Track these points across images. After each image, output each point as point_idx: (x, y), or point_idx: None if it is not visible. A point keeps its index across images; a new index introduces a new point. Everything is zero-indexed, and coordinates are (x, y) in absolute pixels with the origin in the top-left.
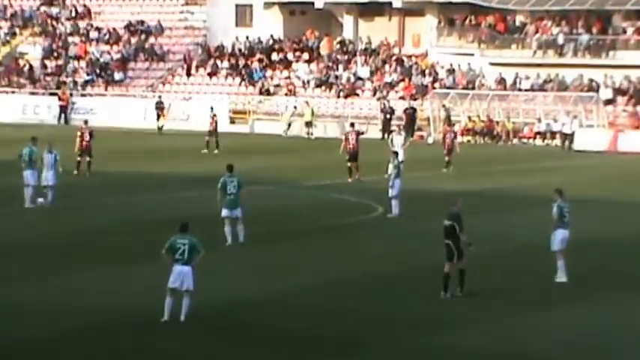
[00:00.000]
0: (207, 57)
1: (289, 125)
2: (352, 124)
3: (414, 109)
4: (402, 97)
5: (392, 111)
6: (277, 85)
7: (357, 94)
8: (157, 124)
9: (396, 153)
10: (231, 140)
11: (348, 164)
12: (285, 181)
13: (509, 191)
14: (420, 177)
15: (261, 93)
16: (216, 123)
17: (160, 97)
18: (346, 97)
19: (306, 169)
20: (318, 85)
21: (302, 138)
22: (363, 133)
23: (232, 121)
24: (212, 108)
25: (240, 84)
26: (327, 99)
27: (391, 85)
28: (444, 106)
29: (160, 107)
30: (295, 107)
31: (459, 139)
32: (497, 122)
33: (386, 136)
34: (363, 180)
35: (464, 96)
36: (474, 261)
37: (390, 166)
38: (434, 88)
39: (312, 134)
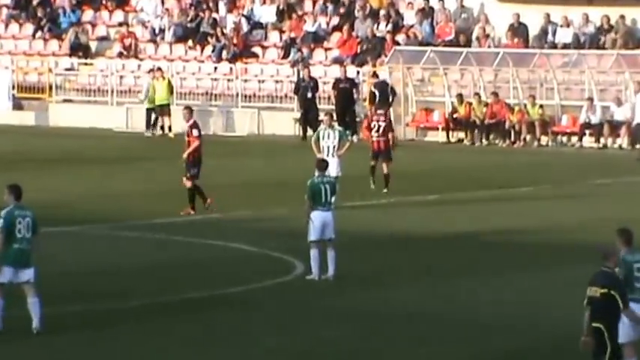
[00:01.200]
0: None
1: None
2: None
3: (355, 84)
4: (336, 61)
5: (316, 85)
6: (103, 39)
7: (254, 55)
8: None
9: (325, 162)
10: (15, 139)
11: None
12: (108, 218)
13: (534, 236)
14: (368, 207)
15: (73, 52)
16: None
17: None
18: (233, 59)
19: (147, 195)
20: (180, 39)
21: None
22: None
23: (18, 105)
24: None
25: (34, 36)
26: (197, 64)
27: (317, 39)
28: (374, 74)
29: None
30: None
31: (440, 135)
32: (512, 106)
33: (309, 131)
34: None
35: (450, 58)
36: None
37: (309, 182)
38: (395, 43)
39: (169, 129)
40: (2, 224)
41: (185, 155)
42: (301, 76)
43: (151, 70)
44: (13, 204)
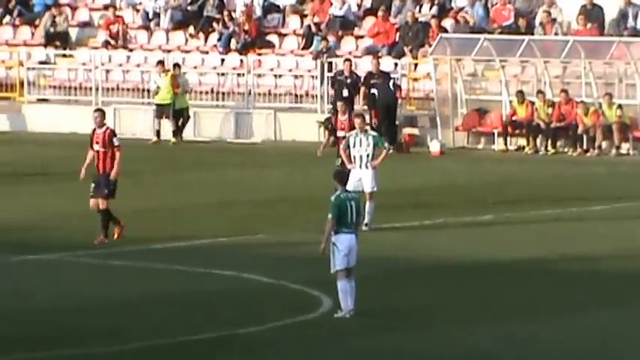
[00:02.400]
0: None
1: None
2: None
3: (391, 79)
4: (369, 52)
5: (354, 81)
6: (85, 25)
7: (270, 45)
8: None
9: (346, 174)
10: None
11: None
12: (93, 243)
13: (612, 264)
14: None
15: (49, 42)
16: None
17: None
18: (244, 50)
19: (141, 215)
20: (179, 25)
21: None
22: None
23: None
24: None
25: (0, 22)
26: (199, 55)
27: (345, 25)
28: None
29: None
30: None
31: (496, 142)
32: (587, 106)
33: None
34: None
35: (508, 48)
36: None
37: (333, 198)
38: (442, 30)
39: (180, 137)
40: None
41: (114, 174)
42: (338, 69)
43: (160, 63)
44: None
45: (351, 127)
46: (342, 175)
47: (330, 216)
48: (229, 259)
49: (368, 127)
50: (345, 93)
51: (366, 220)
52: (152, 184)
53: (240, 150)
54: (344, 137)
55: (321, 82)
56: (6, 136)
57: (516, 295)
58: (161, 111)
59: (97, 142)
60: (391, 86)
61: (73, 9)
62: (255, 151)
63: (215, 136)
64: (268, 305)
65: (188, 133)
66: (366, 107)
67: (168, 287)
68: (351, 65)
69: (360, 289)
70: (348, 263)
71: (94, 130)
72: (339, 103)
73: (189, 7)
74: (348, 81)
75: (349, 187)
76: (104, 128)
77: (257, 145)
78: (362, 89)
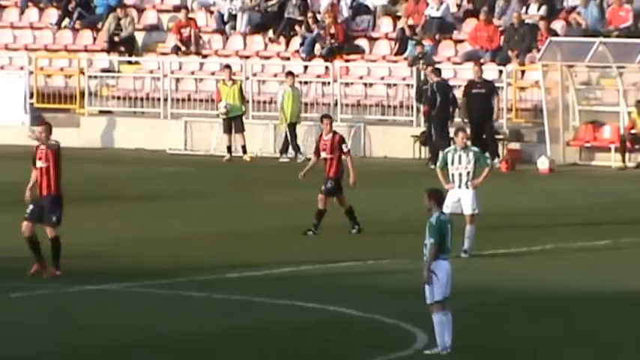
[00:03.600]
0: None
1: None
2: (326, 116)
3: (495, 89)
4: (470, 58)
5: (446, 91)
6: (153, 28)
7: (358, 50)
8: None
9: (442, 194)
10: None
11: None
12: (161, 271)
13: None
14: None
15: (113, 47)
16: None
17: None
18: (330, 56)
19: (215, 240)
20: (257, 28)
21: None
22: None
23: (38, 119)
24: None
25: (59, 25)
26: (280, 62)
27: (443, 28)
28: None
29: None
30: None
31: (613, 158)
32: None
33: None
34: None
35: (626, 52)
36: None
37: (434, 220)
38: (551, 33)
39: (242, 150)
40: None
41: (57, 192)
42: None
43: (227, 67)
44: None
45: (333, 149)
46: (439, 196)
47: (432, 240)
48: (312, 290)
49: (469, 143)
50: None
51: (465, 246)
52: (226, 205)
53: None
54: (325, 159)
55: (440, 96)
56: (63, 152)
57: (635, 332)
58: (230, 124)
59: (40, 159)
60: (493, 96)
61: (140, 11)
62: None
63: (290, 152)
64: (356, 341)
65: (267, 149)
66: (466, 120)
67: (245, 321)
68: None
69: (457, 323)
70: (445, 293)
71: (38, 147)
72: (324, 121)
73: (268, 9)
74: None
75: (446, 209)
76: (52, 142)
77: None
78: (462, 99)
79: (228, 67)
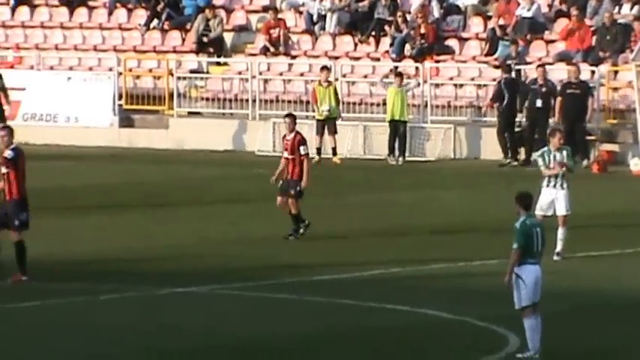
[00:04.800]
0: None
1: None
2: (288, 115)
3: (589, 89)
4: (562, 58)
5: (550, 90)
6: (242, 29)
7: (449, 51)
8: None
9: (531, 198)
10: (123, 167)
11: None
12: (249, 274)
13: None
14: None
15: (201, 48)
16: None
17: None
18: (420, 56)
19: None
20: (347, 29)
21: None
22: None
23: (127, 121)
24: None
25: (148, 26)
26: (369, 63)
27: (535, 28)
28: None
29: None
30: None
31: None
32: None
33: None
34: None
35: None
36: None
37: (518, 224)
38: None
39: (333, 152)
40: None
41: (18, 196)
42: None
43: (325, 69)
44: None
45: (294, 149)
46: (527, 199)
47: (515, 246)
48: (403, 292)
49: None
50: (539, 103)
51: (557, 249)
52: (315, 207)
53: (412, 169)
54: (287, 159)
55: (508, 93)
56: (153, 153)
57: None
58: (323, 126)
59: (5, 164)
60: (587, 97)
61: (229, 12)
62: (428, 171)
63: (385, 154)
64: (447, 344)
65: (357, 151)
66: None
67: (335, 324)
68: (545, 72)
69: (550, 327)
70: (534, 298)
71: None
72: (286, 119)
73: (358, 9)
74: (543, 90)
75: (540, 210)
76: (13, 147)
77: (431, 164)
78: (558, 100)
79: (326, 68)
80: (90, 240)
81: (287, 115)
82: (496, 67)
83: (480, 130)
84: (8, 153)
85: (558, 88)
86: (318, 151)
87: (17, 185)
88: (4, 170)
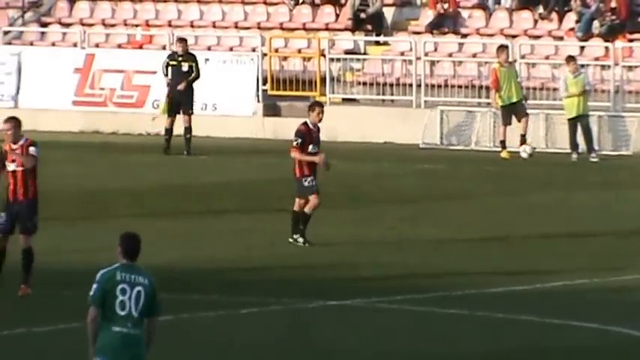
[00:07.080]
0: None
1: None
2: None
3: None
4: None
5: None
6: (405, 4)
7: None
8: None
9: None
10: (270, 163)
11: None
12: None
13: None
14: None
15: (358, 26)
16: None
17: None
18: (611, 35)
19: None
20: (525, 4)
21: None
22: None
23: (273, 109)
24: None
25: (296, 0)
26: (552, 42)
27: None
28: None
29: None
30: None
31: None
32: None
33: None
34: None
35: None
36: None
37: None
38: None
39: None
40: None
41: (35, 195)
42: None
43: (502, 48)
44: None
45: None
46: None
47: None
48: (590, 307)
49: None
50: None
51: None
52: (488, 208)
53: (601, 165)
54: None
55: None
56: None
57: None
58: (510, 113)
59: (14, 160)
60: None
61: None
62: (624, 167)
63: (548, 148)
64: None
65: (538, 143)
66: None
67: (512, 343)
68: None
69: None
70: None
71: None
72: (316, 106)
73: None
74: None
75: None
76: (23, 141)
77: (628, 159)
78: None
79: (504, 47)
80: (229, 244)
81: (317, 104)
82: None
83: None
84: (33, 150)
85: None
86: (503, 144)
87: (34, 183)
88: (18, 168)
